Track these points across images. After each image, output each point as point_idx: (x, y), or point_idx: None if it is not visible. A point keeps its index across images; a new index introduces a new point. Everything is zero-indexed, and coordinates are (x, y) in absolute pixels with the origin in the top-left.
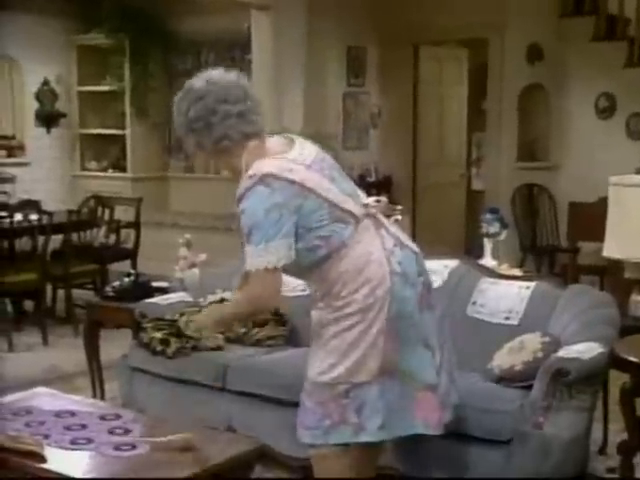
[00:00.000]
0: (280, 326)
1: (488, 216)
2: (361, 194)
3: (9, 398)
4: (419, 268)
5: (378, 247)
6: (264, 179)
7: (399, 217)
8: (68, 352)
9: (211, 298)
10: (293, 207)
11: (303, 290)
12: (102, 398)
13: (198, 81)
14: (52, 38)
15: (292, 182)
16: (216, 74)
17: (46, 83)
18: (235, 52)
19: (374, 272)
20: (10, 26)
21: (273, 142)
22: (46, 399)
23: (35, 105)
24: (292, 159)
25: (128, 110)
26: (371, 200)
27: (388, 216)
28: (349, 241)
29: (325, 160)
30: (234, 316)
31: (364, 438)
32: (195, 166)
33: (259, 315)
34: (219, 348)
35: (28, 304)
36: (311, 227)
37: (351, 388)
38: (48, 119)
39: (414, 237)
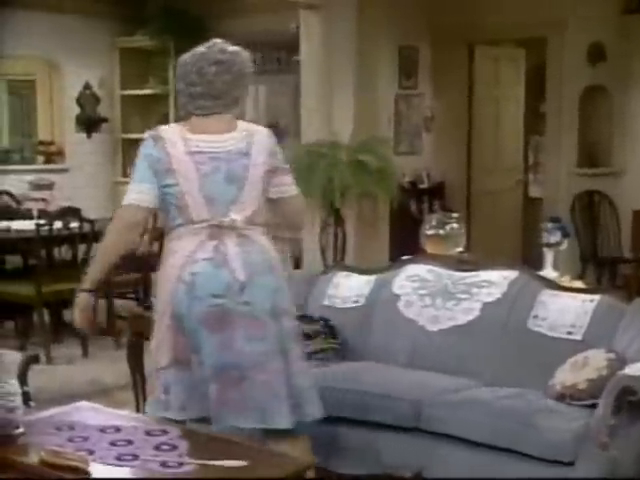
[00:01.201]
0: (331, 339)
1: (549, 225)
2: (235, 210)
3: (49, 412)
4: (226, 293)
5: (184, 251)
6: (152, 133)
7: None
8: (109, 365)
9: None
10: (152, 160)
11: (356, 302)
12: (145, 413)
13: (188, 54)
14: (94, 40)
15: (158, 142)
16: (199, 53)
17: (87, 87)
18: (282, 54)
19: (169, 271)
20: (50, 28)
21: (210, 123)
22: (89, 414)
23: (76, 109)
24: (191, 138)
25: (173, 113)
26: (239, 217)
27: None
28: (173, 231)
29: (225, 163)
30: (97, 263)
31: (169, 415)
32: None
33: (115, 257)
34: None
35: (67, 314)
36: (162, 190)
37: (159, 369)
38: (89, 124)
39: (468, 246)
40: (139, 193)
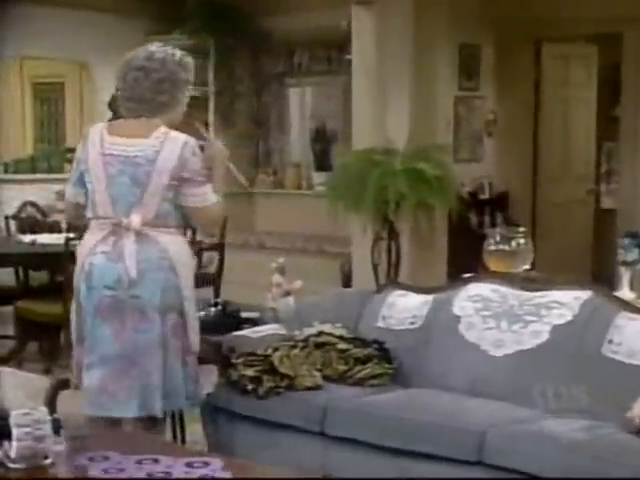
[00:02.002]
0: (385, 363)
1: (626, 241)
2: (136, 212)
3: (81, 441)
4: (117, 285)
5: (89, 243)
6: (85, 132)
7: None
8: None
9: (308, 331)
10: (78, 162)
11: (412, 323)
12: (183, 442)
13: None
14: (128, 40)
15: (85, 142)
16: (129, 57)
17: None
18: (332, 53)
19: (77, 260)
20: (79, 26)
21: (130, 126)
22: (124, 443)
23: (107, 114)
24: (106, 139)
25: (212, 119)
26: (138, 219)
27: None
28: (88, 224)
29: (131, 167)
30: None
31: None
32: (286, 180)
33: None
34: (317, 387)
35: None
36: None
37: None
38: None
39: (535, 263)
40: (69, 193)
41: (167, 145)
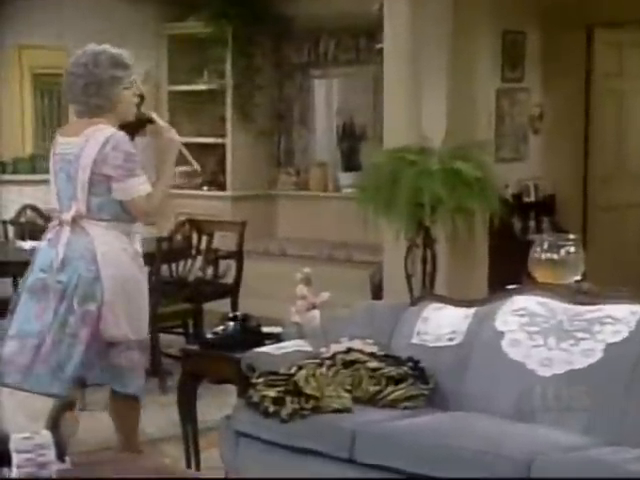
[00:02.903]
0: (421, 383)
1: None
2: (73, 206)
3: (87, 468)
4: (48, 269)
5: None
6: None
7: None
8: (153, 411)
9: (335, 348)
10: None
11: (451, 340)
12: (197, 468)
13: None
14: (137, 26)
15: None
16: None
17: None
18: (362, 41)
19: None
20: (83, 12)
21: (73, 126)
22: (130, 469)
23: None
24: (58, 139)
25: (229, 113)
26: (72, 212)
27: None
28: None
29: (66, 164)
30: None
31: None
32: (310, 181)
33: None
34: (345, 410)
35: None
36: None
37: None
38: (131, 125)
39: (586, 271)
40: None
41: (90, 142)
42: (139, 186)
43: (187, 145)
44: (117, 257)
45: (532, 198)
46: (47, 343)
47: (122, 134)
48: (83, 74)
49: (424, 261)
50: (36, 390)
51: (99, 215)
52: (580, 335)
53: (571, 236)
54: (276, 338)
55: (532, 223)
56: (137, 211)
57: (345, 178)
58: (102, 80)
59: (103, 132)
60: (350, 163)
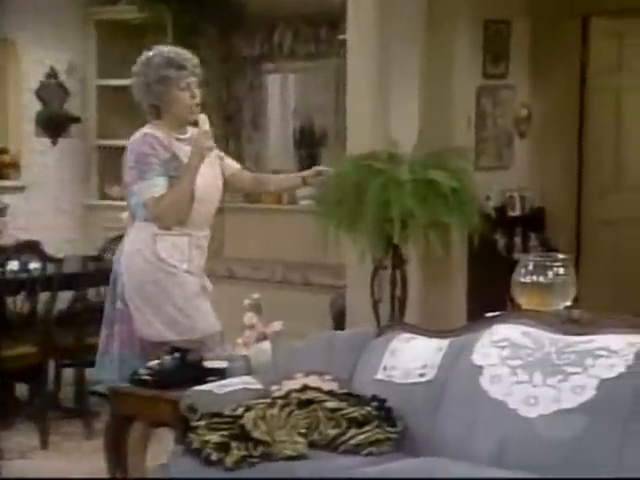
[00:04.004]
0: (387, 426)
1: None
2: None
3: None
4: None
5: None
6: None
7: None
8: (78, 460)
9: (289, 385)
10: None
11: (422, 375)
12: None
13: None
14: (61, 12)
15: None
16: None
17: (53, 75)
18: (322, 31)
19: None
20: None
21: None
22: None
23: (36, 105)
24: None
25: None
26: (125, 213)
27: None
28: None
29: None
30: None
31: None
32: (263, 193)
33: None
34: (301, 457)
35: (22, 389)
36: None
37: None
38: (54, 125)
39: (578, 296)
40: None
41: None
42: (150, 188)
43: (119, 149)
44: (132, 258)
45: (518, 212)
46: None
47: (144, 134)
48: (138, 74)
49: (393, 284)
50: (94, 373)
51: (134, 216)
52: (570, 370)
53: (560, 256)
54: (220, 374)
55: (518, 240)
56: (149, 214)
57: (303, 189)
58: (145, 83)
59: (137, 133)
60: None
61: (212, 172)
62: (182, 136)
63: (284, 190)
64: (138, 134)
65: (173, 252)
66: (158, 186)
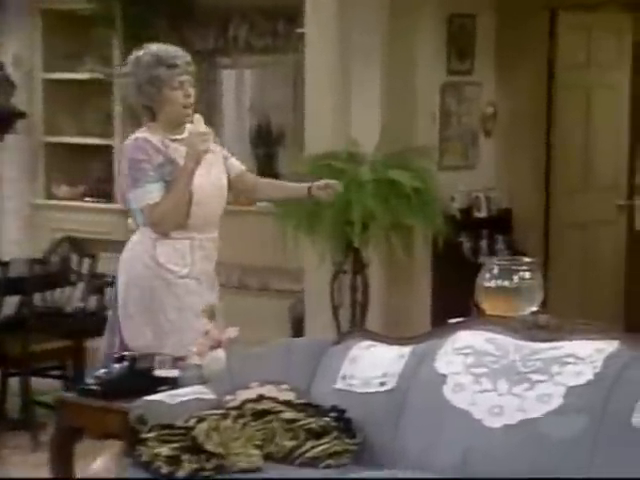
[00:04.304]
0: (347, 437)
1: None
2: None
3: None
4: None
5: None
6: None
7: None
8: (23, 473)
9: (244, 395)
10: None
11: (382, 384)
12: None
13: None
14: (7, 1)
15: None
16: None
17: None
18: (280, 24)
19: None
20: None
21: None
22: None
23: None
24: None
25: (118, 109)
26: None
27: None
28: None
29: None
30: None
31: None
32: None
33: None
34: (255, 469)
35: None
36: None
37: None
38: (0, 121)
39: (545, 301)
40: None
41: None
42: (145, 195)
43: (67, 147)
44: (131, 264)
45: (484, 213)
46: None
47: (136, 139)
48: (128, 74)
49: (354, 289)
50: None
51: (136, 221)
52: (536, 377)
53: (526, 259)
54: (172, 383)
55: (484, 243)
56: (145, 221)
57: None
58: (142, 81)
59: (130, 138)
60: (266, 172)
61: (214, 172)
62: (179, 136)
63: (287, 199)
64: (130, 139)
65: (173, 256)
66: (153, 192)
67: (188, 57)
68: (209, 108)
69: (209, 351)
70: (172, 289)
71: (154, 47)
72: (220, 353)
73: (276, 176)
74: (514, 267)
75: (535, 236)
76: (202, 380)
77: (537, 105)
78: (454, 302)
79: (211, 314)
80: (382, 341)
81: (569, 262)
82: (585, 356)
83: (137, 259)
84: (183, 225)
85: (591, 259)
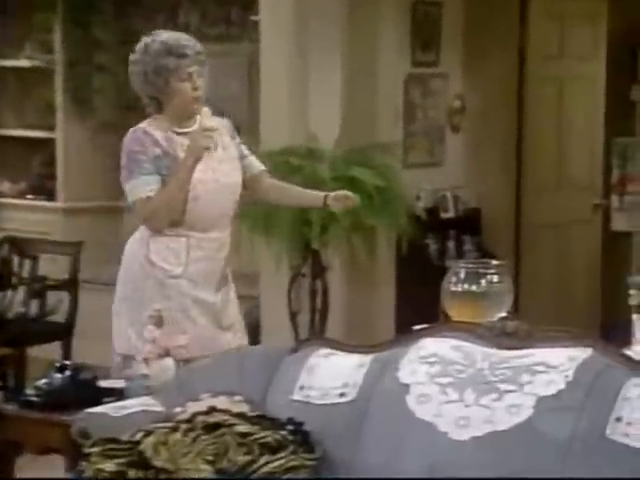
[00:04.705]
0: (305, 452)
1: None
2: None
3: None
4: None
5: None
6: None
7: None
8: None
9: (194, 408)
10: None
11: (342, 395)
12: None
13: None
14: None
15: None
16: None
17: None
18: (234, 11)
19: None
20: None
21: None
22: None
23: None
24: None
25: (60, 100)
26: None
27: None
28: None
29: None
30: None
31: None
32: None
33: None
34: None
35: None
36: None
37: None
38: None
39: (516, 306)
40: None
41: None
42: (138, 188)
43: (5, 140)
44: (128, 263)
45: (451, 213)
46: None
47: (134, 130)
48: (136, 62)
49: (313, 294)
50: None
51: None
52: (505, 387)
53: (495, 262)
54: (118, 395)
55: (451, 245)
56: (137, 216)
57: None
58: (149, 70)
59: (130, 129)
60: None
61: (223, 168)
62: (185, 129)
63: (302, 207)
64: (130, 130)
65: (167, 255)
66: (146, 186)
67: (198, 46)
68: None
69: (157, 360)
70: (163, 290)
71: (164, 35)
72: (168, 362)
73: None
74: (482, 270)
75: (505, 237)
76: (149, 391)
77: (507, 98)
78: (419, 308)
79: (158, 320)
80: (342, 349)
81: (541, 264)
82: (557, 364)
83: (133, 257)
84: (178, 222)
85: (565, 261)
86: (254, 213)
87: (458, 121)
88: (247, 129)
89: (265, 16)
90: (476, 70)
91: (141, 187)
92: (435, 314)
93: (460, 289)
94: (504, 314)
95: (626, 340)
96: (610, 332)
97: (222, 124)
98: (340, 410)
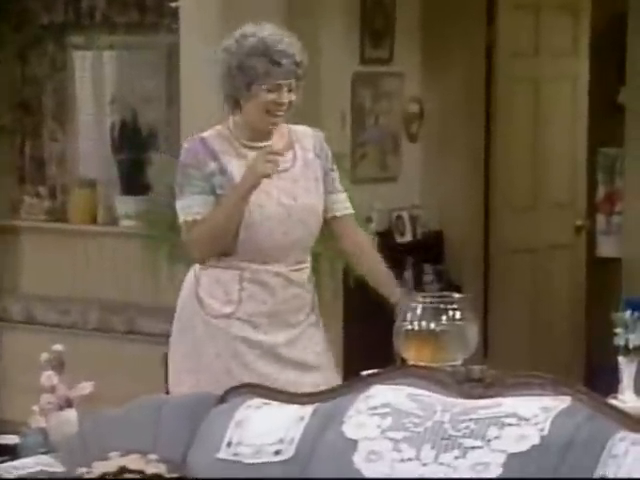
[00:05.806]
0: None
1: (627, 315)
2: None
3: None
4: None
5: None
6: None
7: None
8: None
9: (101, 467)
10: None
11: (277, 453)
12: None
13: None
14: None
15: None
16: None
17: None
18: None
19: None
20: None
21: None
22: None
23: None
24: None
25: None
26: None
27: None
28: None
29: None
30: None
31: None
32: (71, 208)
33: None
34: None
35: None
36: None
37: None
38: None
39: (484, 347)
40: None
41: None
42: (184, 210)
43: None
44: (182, 299)
45: (408, 237)
46: None
47: (192, 139)
48: (225, 50)
49: None
50: None
51: None
52: (469, 443)
53: (458, 295)
54: (10, 452)
55: (408, 274)
56: (183, 240)
57: (125, 205)
58: (233, 64)
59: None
60: (132, 182)
61: (296, 189)
62: (258, 143)
63: (373, 286)
64: (187, 139)
65: (215, 290)
66: (195, 207)
67: (300, 56)
68: (59, 99)
69: (56, 411)
70: (210, 331)
71: (267, 31)
72: (70, 414)
73: (146, 188)
74: (442, 305)
75: (472, 265)
76: (48, 448)
77: (473, 102)
78: (369, 349)
79: (58, 364)
80: (277, 399)
81: (515, 297)
82: (529, 416)
83: (185, 290)
84: (230, 252)
85: (542, 293)
86: (174, 237)
87: (416, 128)
88: (165, 135)
89: (186, 3)
90: (436, 69)
91: (188, 208)
92: (388, 357)
93: (417, 328)
94: (466, 357)
95: (615, 386)
96: (597, 377)
97: (306, 134)
98: (275, 470)
